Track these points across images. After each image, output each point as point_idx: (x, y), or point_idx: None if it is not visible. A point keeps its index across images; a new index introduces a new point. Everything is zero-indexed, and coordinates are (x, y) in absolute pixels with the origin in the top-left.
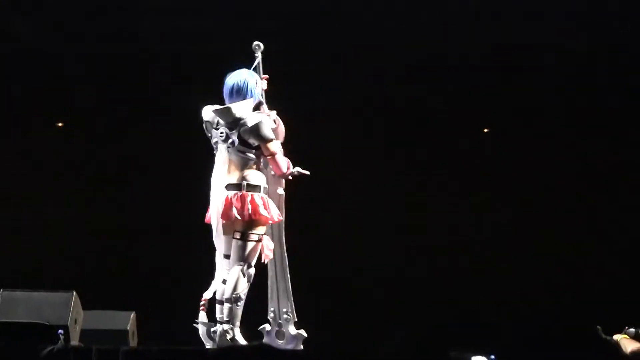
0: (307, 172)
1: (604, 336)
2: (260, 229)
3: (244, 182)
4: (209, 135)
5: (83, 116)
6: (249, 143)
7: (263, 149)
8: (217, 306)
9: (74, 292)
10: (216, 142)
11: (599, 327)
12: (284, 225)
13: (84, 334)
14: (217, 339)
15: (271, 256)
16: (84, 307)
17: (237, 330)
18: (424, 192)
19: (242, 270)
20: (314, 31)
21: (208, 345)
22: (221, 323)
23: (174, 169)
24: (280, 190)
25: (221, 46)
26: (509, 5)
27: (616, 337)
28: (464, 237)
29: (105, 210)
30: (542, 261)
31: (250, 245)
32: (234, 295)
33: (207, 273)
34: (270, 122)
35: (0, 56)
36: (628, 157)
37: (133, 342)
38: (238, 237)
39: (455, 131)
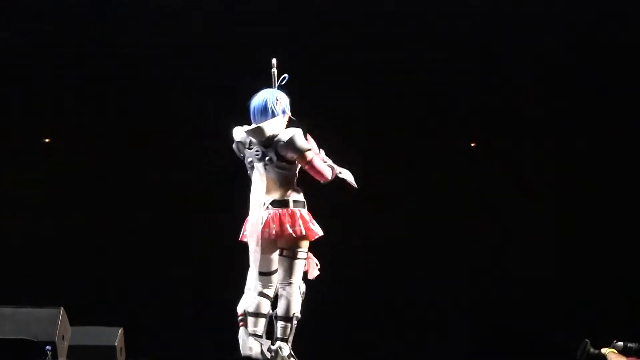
0: (354, 185)
1: (592, 350)
2: (307, 245)
3: (291, 199)
4: (242, 155)
5: (72, 131)
6: (288, 158)
7: (299, 161)
8: (251, 319)
9: (62, 308)
10: (251, 161)
11: (587, 340)
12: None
13: (72, 350)
14: (267, 355)
15: (317, 273)
16: (72, 323)
17: (289, 347)
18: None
19: (298, 288)
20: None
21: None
22: (254, 336)
23: (173, 184)
24: None
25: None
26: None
27: (604, 350)
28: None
29: (94, 226)
30: (534, 274)
31: (299, 262)
32: (292, 314)
33: (194, 288)
34: (302, 133)
35: None
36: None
37: (121, 357)
38: (287, 254)
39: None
